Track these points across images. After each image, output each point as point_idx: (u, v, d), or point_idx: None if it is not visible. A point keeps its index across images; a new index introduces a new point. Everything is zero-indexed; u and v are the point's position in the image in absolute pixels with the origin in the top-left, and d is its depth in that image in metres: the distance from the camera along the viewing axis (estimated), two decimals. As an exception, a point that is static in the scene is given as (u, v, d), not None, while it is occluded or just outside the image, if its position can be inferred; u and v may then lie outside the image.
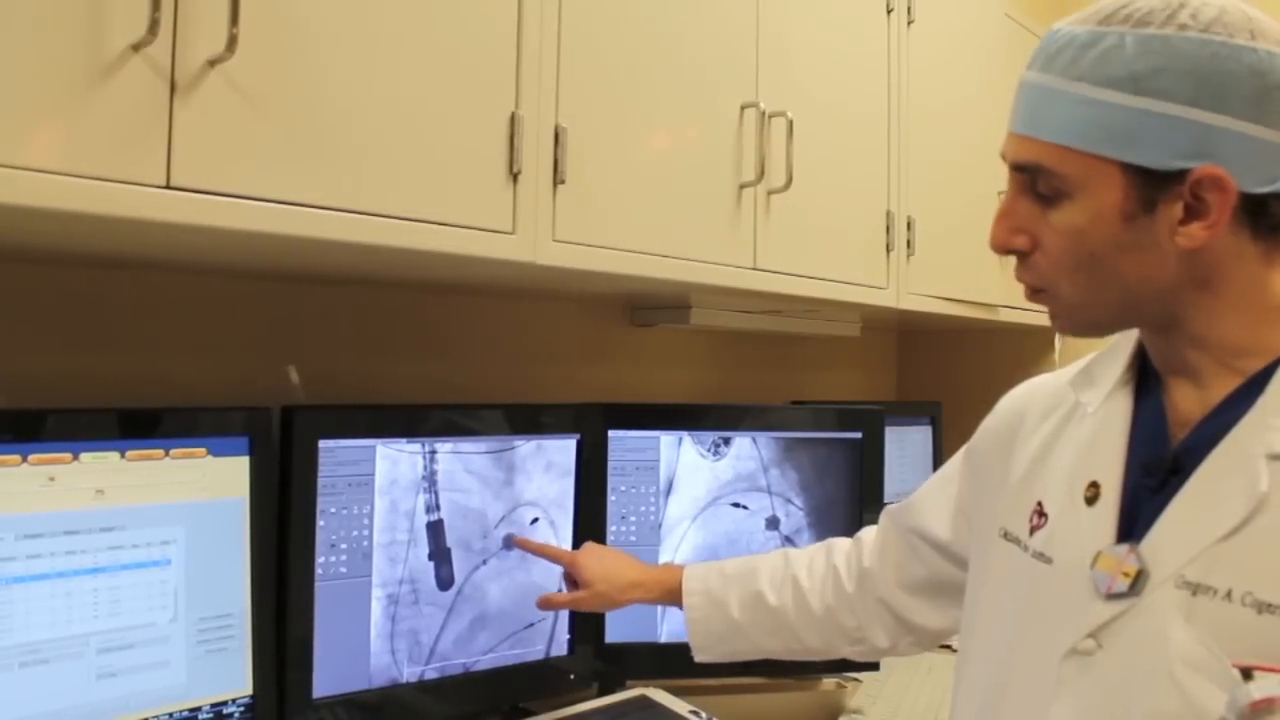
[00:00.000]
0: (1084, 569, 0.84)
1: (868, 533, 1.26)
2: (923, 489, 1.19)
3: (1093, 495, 0.87)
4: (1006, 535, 0.96)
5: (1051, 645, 0.85)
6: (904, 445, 2.29)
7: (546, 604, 1.38)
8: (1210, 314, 0.84)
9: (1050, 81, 0.83)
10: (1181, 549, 0.80)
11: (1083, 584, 0.84)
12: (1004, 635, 0.92)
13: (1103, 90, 0.80)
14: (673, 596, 1.31)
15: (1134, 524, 0.84)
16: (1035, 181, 0.84)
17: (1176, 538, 0.80)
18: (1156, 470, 0.84)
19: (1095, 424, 0.92)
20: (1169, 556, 0.80)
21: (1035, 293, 0.89)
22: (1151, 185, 0.80)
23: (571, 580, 1.39)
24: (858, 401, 2.29)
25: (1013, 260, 0.90)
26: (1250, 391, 0.82)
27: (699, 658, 1.29)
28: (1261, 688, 0.73)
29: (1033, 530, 0.92)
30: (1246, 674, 0.74)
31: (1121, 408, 0.91)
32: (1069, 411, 0.96)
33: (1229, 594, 0.76)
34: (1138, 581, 0.81)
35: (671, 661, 1.31)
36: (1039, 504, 0.93)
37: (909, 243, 1.88)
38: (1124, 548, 0.82)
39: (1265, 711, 0.72)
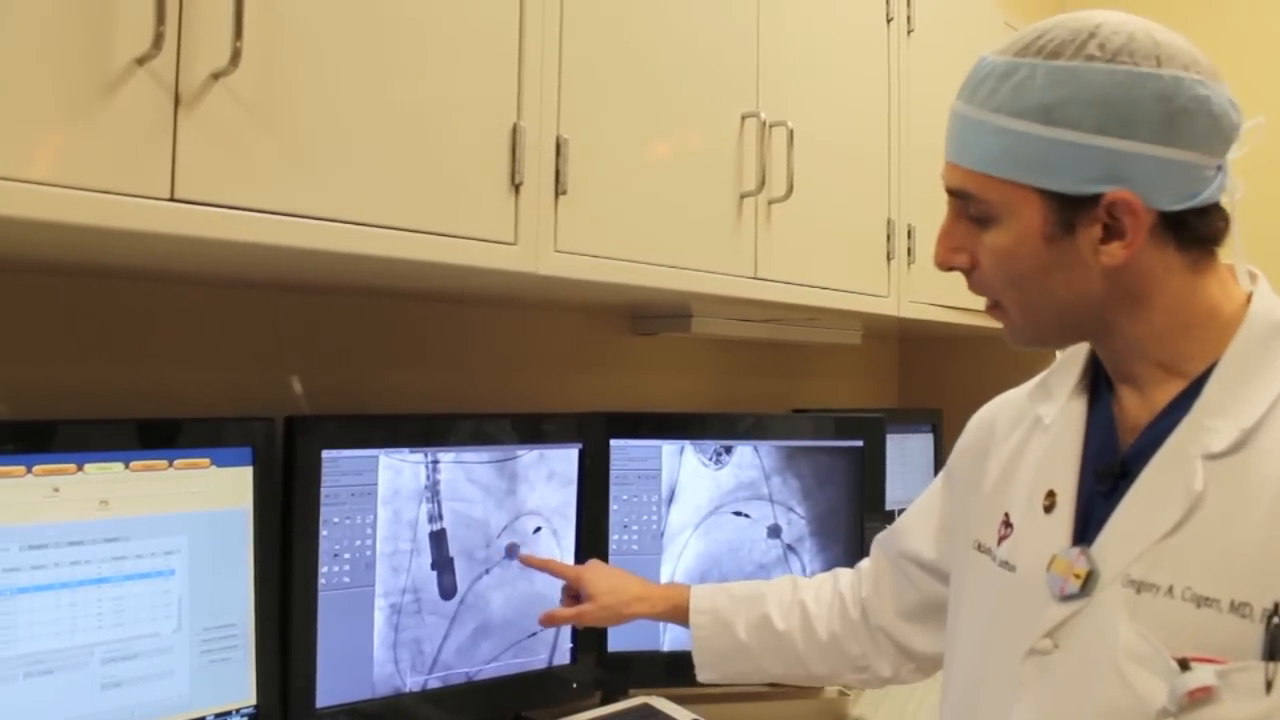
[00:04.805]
0: (1042, 574, 0.88)
1: (866, 563, 1.27)
2: (907, 514, 1.21)
3: (1050, 504, 0.91)
4: (979, 547, 1.00)
5: (1015, 647, 0.89)
6: (905, 453, 2.29)
7: (550, 620, 1.36)
8: (1146, 324, 0.87)
9: (973, 111, 0.88)
10: (1127, 549, 0.83)
11: (1041, 588, 0.88)
12: (977, 641, 0.96)
13: (1018, 120, 0.85)
14: (678, 613, 1.31)
15: (1088, 528, 0.88)
16: (967, 206, 0.89)
17: (1122, 539, 0.84)
18: (1106, 476, 0.88)
19: (1052, 435, 0.96)
20: (1116, 557, 0.84)
21: (991, 307, 0.94)
22: (1069, 209, 0.84)
23: (572, 594, 1.39)
24: (859, 409, 2.28)
25: None
26: (1190, 395, 0.85)
27: (702, 677, 1.29)
28: (1197, 677, 0.76)
29: (1000, 540, 0.96)
30: (1184, 665, 0.77)
31: (1076, 418, 0.95)
32: (1032, 424, 1.00)
33: (1170, 589, 0.80)
34: (1088, 582, 0.84)
35: (674, 670, 1.31)
36: (1006, 515, 0.97)
37: (910, 251, 1.88)
38: (1076, 551, 0.86)
39: (1203, 700, 0.76)
